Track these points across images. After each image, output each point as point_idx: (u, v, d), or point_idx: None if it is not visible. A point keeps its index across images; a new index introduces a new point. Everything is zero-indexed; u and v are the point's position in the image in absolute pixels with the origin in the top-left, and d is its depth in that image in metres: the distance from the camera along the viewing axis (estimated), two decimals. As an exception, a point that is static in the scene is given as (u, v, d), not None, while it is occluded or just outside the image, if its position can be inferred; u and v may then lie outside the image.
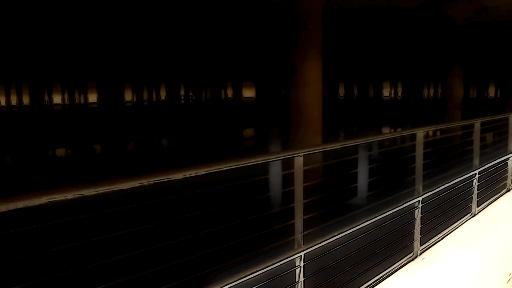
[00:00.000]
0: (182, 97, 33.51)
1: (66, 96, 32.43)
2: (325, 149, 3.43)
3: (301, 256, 3.35)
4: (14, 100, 29.63)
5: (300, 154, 3.24)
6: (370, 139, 4.20)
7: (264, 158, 3.03)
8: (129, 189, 2.46)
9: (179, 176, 2.51)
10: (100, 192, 2.17)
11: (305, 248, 3.37)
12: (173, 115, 25.73)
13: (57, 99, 32.35)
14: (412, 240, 4.82)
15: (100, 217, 2.82)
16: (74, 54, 24.54)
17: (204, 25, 19.82)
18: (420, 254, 4.92)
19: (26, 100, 28.69)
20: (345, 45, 25.27)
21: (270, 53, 19.80)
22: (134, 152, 26.65)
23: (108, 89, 16.27)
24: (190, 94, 36.96)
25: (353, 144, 3.76)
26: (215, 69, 32.11)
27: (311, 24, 8.43)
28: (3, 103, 29.25)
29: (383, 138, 4.58)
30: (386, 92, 32.99)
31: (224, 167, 2.71)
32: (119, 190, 2.26)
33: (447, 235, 5.43)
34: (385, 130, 27.83)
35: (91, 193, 2.14)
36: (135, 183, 2.32)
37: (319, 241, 3.51)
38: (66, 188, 2.08)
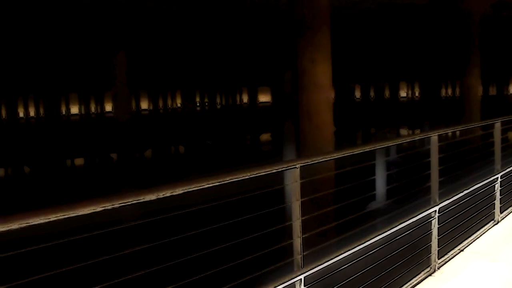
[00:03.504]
0: (198, 104, 33.47)
1: (83, 106, 32.69)
2: (324, 159, 3.09)
3: (301, 279, 3.01)
4: (32, 111, 29.94)
5: (297, 166, 2.90)
6: (377, 146, 3.84)
7: (254, 173, 2.70)
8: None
9: (151, 197, 2.20)
10: (51, 220, 1.87)
11: (305, 270, 3.03)
12: (189, 122, 25.62)
13: (74, 109, 32.62)
14: (429, 253, 4.43)
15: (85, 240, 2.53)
16: (89, 64, 24.64)
17: (212, 30, 19.65)
18: (439, 268, 4.52)
19: (42, 111, 28.94)
20: (357, 45, 24.83)
21: (278, 57, 19.51)
22: (152, 159, 26.60)
23: (123, 98, 16.18)
24: (206, 100, 36.94)
25: (358, 152, 3.40)
26: (226, 75, 32.00)
27: (319, 24, 8.10)
28: (21, 114, 29.61)
29: (392, 144, 4.21)
30: (402, 93, 32.40)
31: (205, 184, 2.39)
32: (77, 216, 1.96)
33: (467, 246, 5.02)
34: (403, 131, 27.26)
35: (40, 222, 1.84)
36: (96, 208, 2.01)
37: (322, 261, 3.16)
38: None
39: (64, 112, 30.66)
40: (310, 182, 3.76)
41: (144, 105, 33.78)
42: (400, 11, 17.07)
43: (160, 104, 35.77)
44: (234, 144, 28.85)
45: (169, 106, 35.96)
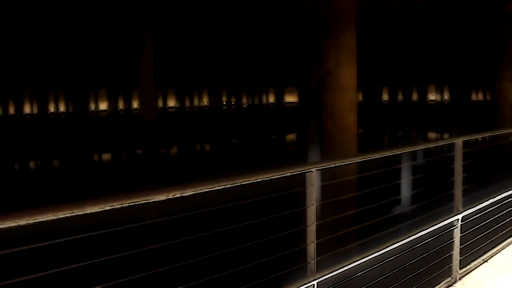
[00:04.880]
0: (224, 103, 33.67)
1: (111, 103, 33.26)
2: (342, 164, 3.02)
3: (313, 285, 2.95)
4: (62, 107, 30.68)
5: (312, 170, 2.84)
6: (398, 151, 3.74)
7: (268, 175, 2.65)
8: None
9: (160, 197, 2.18)
10: (59, 217, 1.87)
11: (318, 276, 2.97)
12: (215, 121, 25.77)
13: (102, 105, 33.27)
14: (450, 263, 4.30)
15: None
16: (117, 62, 25.03)
17: (240, 29, 19.69)
18: (460, 279, 4.38)
19: (72, 107, 29.57)
20: (386, 47, 24.45)
21: (305, 57, 19.37)
22: (177, 157, 26.86)
23: (150, 96, 16.37)
24: (233, 100, 37.12)
25: (377, 157, 3.31)
26: (253, 74, 32.01)
27: (344, 25, 7.98)
28: (52, 109, 30.36)
29: (414, 149, 4.09)
30: (431, 96, 31.75)
31: (216, 186, 2.35)
32: (85, 214, 1.95)
33: (491, 257, 4.85)
34: (431, 135, 26.74)
35: (48, 219, 1.84)
36: (105, 207, 2.00)
37: (337, 268, 3.09)
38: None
39: (92, 108, 31.30)
40: (330, 186, 3.69)
41: (171, 103, 34.19)
42: (430, 11, 16.71)
43: (187, 102, 36.08)
44: (259, 144, 28.86)
45: (196, 105, 36.23)
